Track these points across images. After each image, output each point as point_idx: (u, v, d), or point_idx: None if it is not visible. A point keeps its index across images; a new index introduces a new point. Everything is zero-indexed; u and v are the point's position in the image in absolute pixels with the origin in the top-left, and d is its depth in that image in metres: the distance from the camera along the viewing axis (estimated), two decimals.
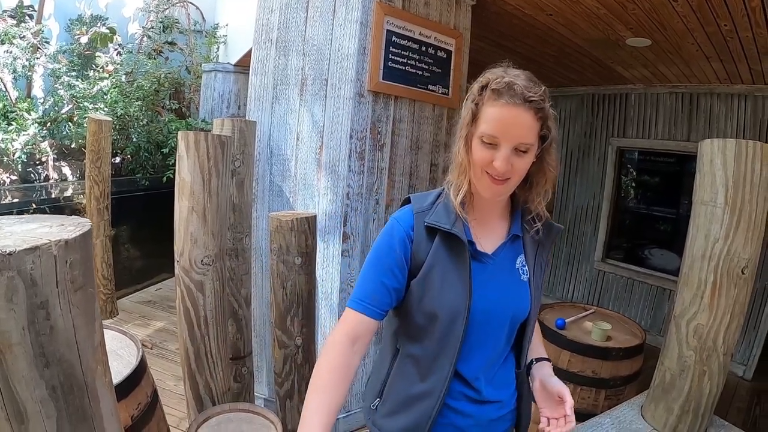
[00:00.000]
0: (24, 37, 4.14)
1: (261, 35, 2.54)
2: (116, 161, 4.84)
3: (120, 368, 1.64)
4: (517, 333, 1.18)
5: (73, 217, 0.68)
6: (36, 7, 4.57)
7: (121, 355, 1.78)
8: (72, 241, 0.56)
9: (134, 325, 4.02)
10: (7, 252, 0.50)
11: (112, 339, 1.88)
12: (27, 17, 4.44)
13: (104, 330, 1.98)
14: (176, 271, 1.93)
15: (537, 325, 1.32)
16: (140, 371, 1.67)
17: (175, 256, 1.92)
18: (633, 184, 4.90)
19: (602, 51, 3.55)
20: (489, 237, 1.14)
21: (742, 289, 1.28)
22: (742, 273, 1.26)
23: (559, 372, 2.32)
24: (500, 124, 0.98)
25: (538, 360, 1.25)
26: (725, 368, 1.34)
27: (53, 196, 4.25)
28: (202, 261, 1.88)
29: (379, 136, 2.48)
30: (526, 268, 1.15)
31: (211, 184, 1.89)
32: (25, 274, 0.51)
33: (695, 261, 1.32)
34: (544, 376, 1.20)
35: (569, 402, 1.09)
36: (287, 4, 2.44)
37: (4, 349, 0.52)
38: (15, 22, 4.28)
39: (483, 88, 1.01)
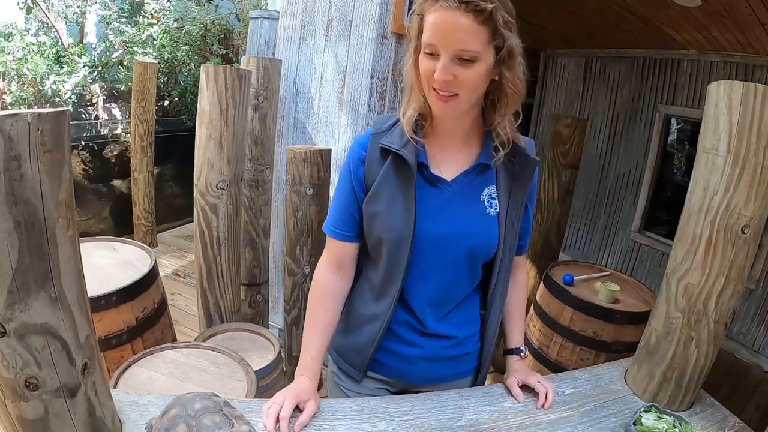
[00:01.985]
0: None
1: None
2: (164, 104, 5.06)
3: (131, 274, 1.82)
4: (484, 272, 1.12)
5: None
6: None
7: (135, 265, 1.95)
8: (44, 115, 0.67)
9: (171, 256, 4.28)
10: None
11: (131, 252, 2.09)
12: None
13: (126, 244, 2.18)
14: (194, 193, 2.05)
15: (521, 290, 1.26)
16: (149, 280, 1.83)
17: (194, 179, 2.04)
18: (678, 155, 4.67)
19: (649, 9, 3.36)
20: (450, 162, 1.06)
21: (741, 251, 1.14)
22: (742, 232, 1.12)
23: (559, 328, 2.37)
24: (436, 30, 0.89)
25: (509, 352, 1.23)
26: (716, 339, 1.20)
27: (102, 133, 4.52)
28: (217, 185, 1.99)
29: (401, 77, 2.47)
30: (496, 201, 1.06)
31: (228, 114, 1.98)
32: (5, 133, 0.63)
33: (692, 215, 1.19)
34: (518, 373, 1.19)
35: (549, 402, 1.12)
36: None
37: None
38: None
39: None
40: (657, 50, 4.39)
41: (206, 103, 1.97)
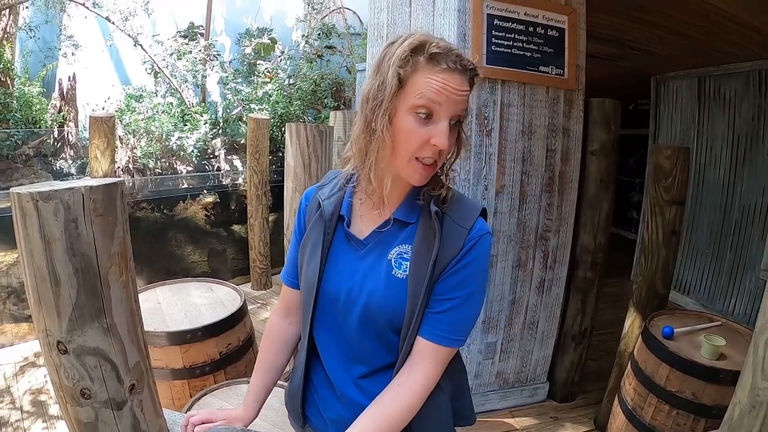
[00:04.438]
0: (192, 52, 5.02)
1: (374, 33, 2.77)
2: (280, 155, 5.57)
3: (220, 313, 2.05)
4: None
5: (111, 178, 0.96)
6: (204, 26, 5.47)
7: (225, 305, 2.16)
8: (96, 187, 0.86)
9: None
10: (56, 189, 0.81)
11: (225, 293, 2.37)
12: (198, 35, 5.35)
13: (223, 286, 2.45)
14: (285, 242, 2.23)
15: (402, 394, 0.94)
16: (235, 318, 2.05)
17: (284, 229, 2.24)
18: None
19: (751, 13, 3.01)
20: (371, 219, 1.01)
21: None
22: None
23: (654, 388, 2.17)
24: (440, 93, 0.84)
25: None
26: None
27: (224, 183, 5.08)
28: None
29: (486, 121, 2.48)
30: (407, 264, 0.95)
31: (311, 167, 2.17)
32: (64, 202, 0.82)
33: None
34: None
35: None
36: (393, 2, 2.62)
37: (52, 242, 0.83)
38: (186, 41, 5.20)
39: (415, 51, 0.85)
40: None
41: (290, 159, 2.18)
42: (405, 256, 0.96)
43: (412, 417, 0.95)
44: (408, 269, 0.94)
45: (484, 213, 0.99)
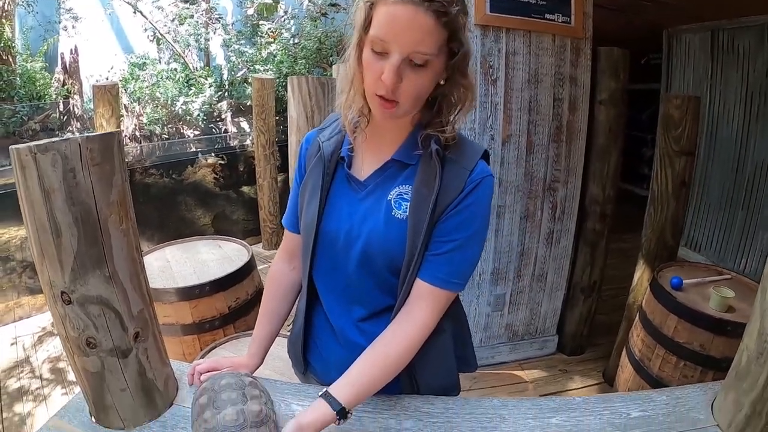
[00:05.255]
0: (194, 16, 4.93)
1: None
2: (287, 115, 5.52)
3: (227, 268, 2.08)
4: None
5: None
6: None
7: (233, 260, 2.18)
8: (92, 137, 0.86)
9: None
10: (53, 141, 0.82)
11: (233, 249, 2.40)
12: None
13: (230, 242, 2.47)
14: None
15: (398, 335, 0.94)
16: (243, 273, 2.06)
17: (290, 183, 2.24)
18: None
19: None
20: (372, 161, 1.00)
21: None
22: None
23: (662, 339, 2.16)
24: (391, 26, 0.79)
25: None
26: None
27: (231, 144, 5.07)
28: None
29: (491, 70, 2.43)
30: (407, 204, 0.93)
31: (314, 120, 2.14)
32: (61, 152, 0.82)
33: None
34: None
35: None
36: None
37: (51, 192, 0.84)
38: (187, 5, 5.10)
39: None
40: None
41: (293, 111, 2.15)
42: (405, 196, 0.94)
43: (409, 359, 0.96)
44: (408, 210, 0.93)
45: (486, 156, 0.97)
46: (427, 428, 1.01)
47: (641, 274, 2.72)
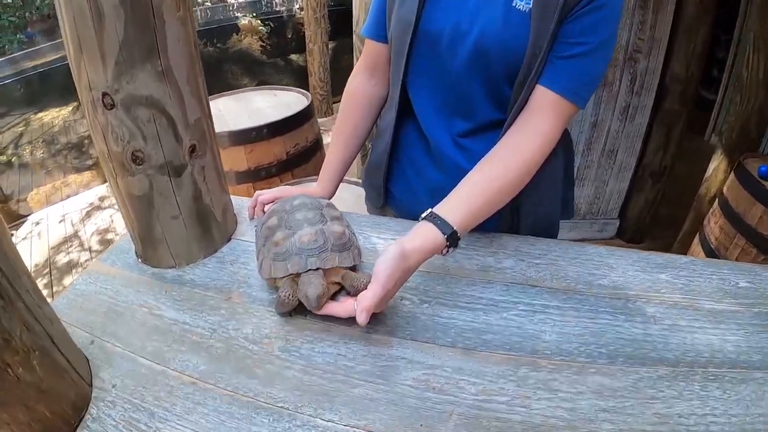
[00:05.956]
0: None
1: None
2: None
3: (285, 113, 1.98)
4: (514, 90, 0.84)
5: None
6: None
7: (291, 107, 2.07)
8: None
9: None
10: None
11: (291, 96, 2.28)
12: None
13: (287, 91, 2.33)
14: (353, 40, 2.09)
15: (518, 147, 0.80)
16: (303, 117, 1.93)
17: (353, 25, 2.12)
18: None
19: None
20: None
21: None
22: None
23: (744, 228, 2.00)
24: None
25: (427, 217, 0.76)
26: None
27: (279, 10, 4.78)
28: None
29: None
30: None
31: None
32: None
33: None
34: (382, 266, 0.70)
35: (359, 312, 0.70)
36: None
37: None
38: None
39: None
40: None
41: None
42: None
43: (529, 179, 0.83)
44: (531, 3, 0.77)
45: None
46: (531, 269, 0.92)
47: (718, 165, 2.52)
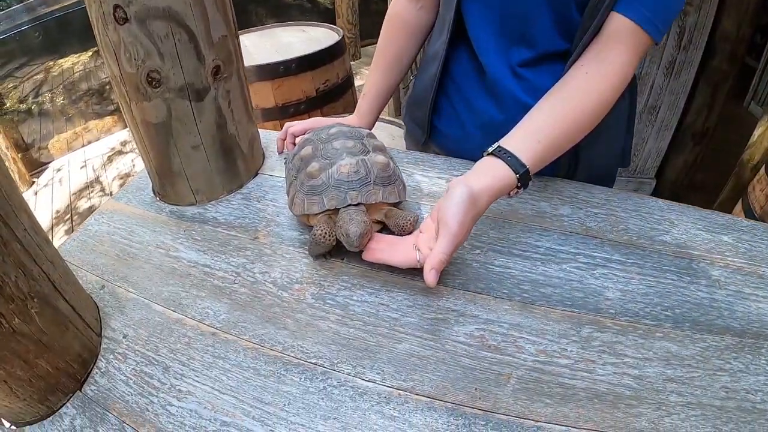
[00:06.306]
0: None
1: None
2: None
3: (314, 47, 1.87)
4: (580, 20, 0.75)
5: None
6: None
7: (321, 41, 1.97)
8: None
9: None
10: None
11: (320, 32, 2.15)
12: None
13: (317, 27, 2.20)
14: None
15: (593, 77, 0.70)
16: (333, 52, 1.83)
17: None
18: None
19: None
20: None
21: None
22: None
23: None
24: None
25: (497, 152, 0.66)
26: None
27: None
28: None
29: None
30: None
31: None
32: None
33: None
34: (446, 203, 0.61)
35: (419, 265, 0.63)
36: None
37: None
38: None
39: None
40: None
41: None
42: None
43: (605, 113, 0.71)
44: None
45: None
46: (589, 218, 0.84)
47: (763, 131, 2.38)
